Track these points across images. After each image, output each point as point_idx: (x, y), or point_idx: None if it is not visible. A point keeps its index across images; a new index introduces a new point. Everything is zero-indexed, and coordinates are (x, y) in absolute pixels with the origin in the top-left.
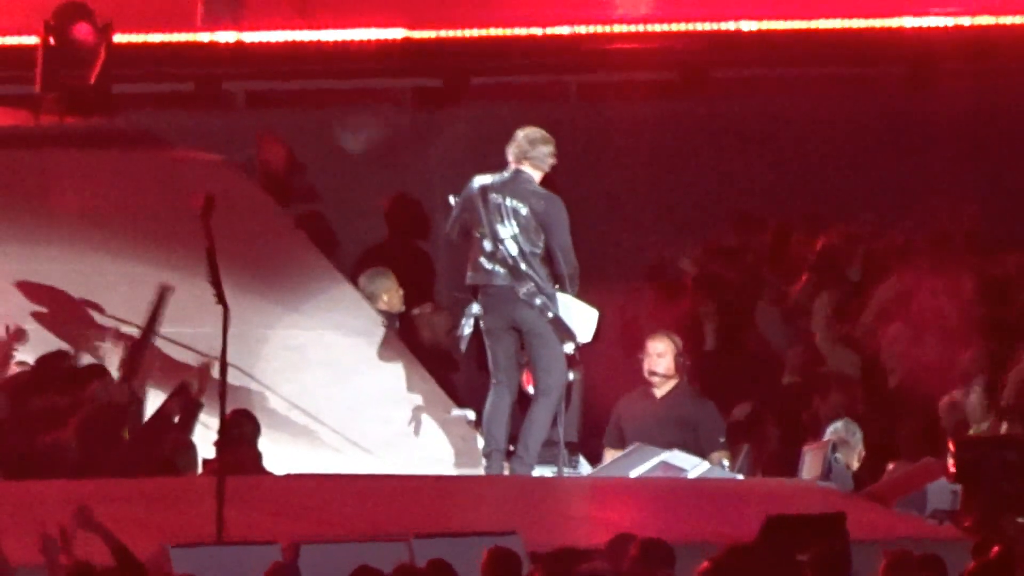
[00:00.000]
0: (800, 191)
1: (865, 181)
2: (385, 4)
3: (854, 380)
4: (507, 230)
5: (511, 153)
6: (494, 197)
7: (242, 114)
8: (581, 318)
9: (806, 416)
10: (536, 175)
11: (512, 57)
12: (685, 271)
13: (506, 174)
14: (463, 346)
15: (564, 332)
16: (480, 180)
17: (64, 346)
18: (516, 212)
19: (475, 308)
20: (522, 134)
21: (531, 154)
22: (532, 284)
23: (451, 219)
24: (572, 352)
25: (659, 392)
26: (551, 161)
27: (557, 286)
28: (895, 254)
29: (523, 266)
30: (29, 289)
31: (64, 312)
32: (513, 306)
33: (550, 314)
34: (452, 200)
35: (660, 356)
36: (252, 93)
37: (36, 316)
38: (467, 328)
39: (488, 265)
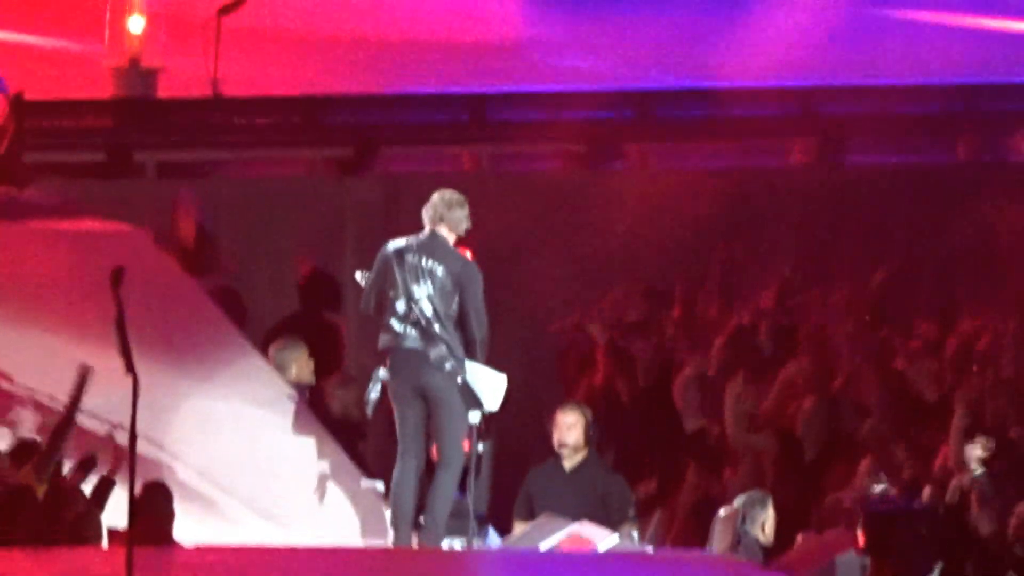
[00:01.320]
0: (704, 262)
1: (771, 251)
2: (295, 74)
3: (765, 453)
4: (423, 290)
5: (427, 216)
6: (411, 257)
7: (152, 184)
8: (489, 385)
9: (716, 487)
10: (451, 238)
11: (423, 127)
12: (596, 342)
13: (423, 236)
14: (370, 411)
15: (471, 399)
16: (395, 243)
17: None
18: (432, 272)
19: (382, 372)
20: (438, 196)
21: (447, 217)
22: (444, 347)
23: (366, 290)
24: (478, 422)
25: (568, 464)
26: (466, 224)
27: (466, 352)
28: (806, 327)
29: (436, 327)
30: None
31: None
32: (421, 370)
33: (459, 380)
34: (359, 276)
35: (570, 428)
36: (162, 163)
37: None
38: (374, 393)
39: (399, 327)
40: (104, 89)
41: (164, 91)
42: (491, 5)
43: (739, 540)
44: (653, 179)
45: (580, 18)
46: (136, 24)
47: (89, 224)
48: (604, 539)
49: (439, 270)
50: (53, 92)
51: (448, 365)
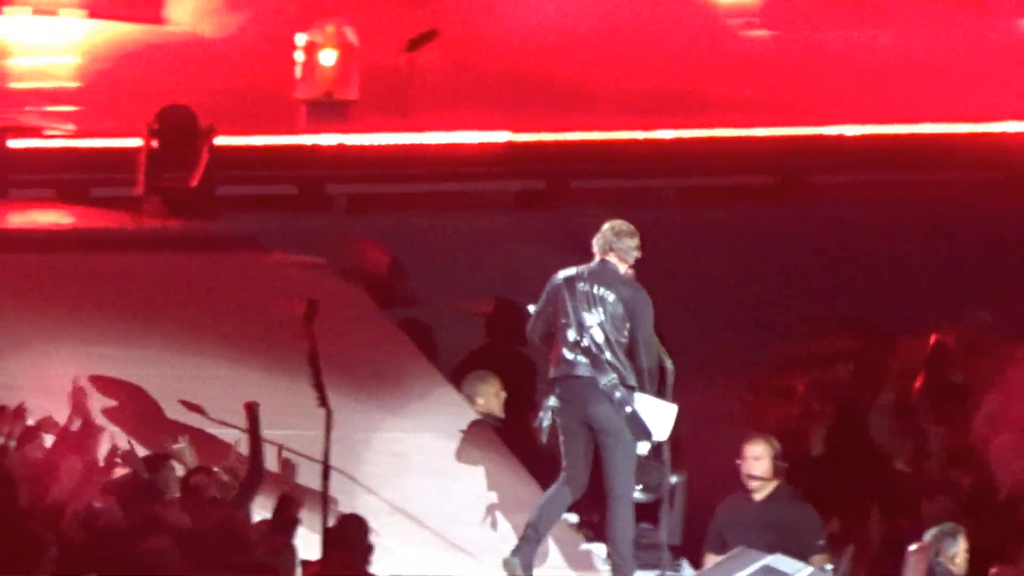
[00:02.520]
0: (903, 295)
1: (969, 285)
2: (487, 108)
3: (961, 486)
4: (594, 317)
5: (597, 245)
6: (581, 286)
7: (343, 218)
8: (658, 414)
9: (908, 521)
10: (621, 267)
11: (612, 161)
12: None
13: (593, 264)
14: (544, 438)
15: (639, 429)
16: (565, 272)
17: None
18: (604, 299)
19: (552, 401)
20: (608, 226)
21: (616, 246)
22: (615, 375)
23: (532, 318)
24: (661, 452)
25: (758, 496)
26: (636, 254)
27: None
28: (1003, 359)
29: (607, 355)
30: (125, 393)
31: (162, 417)
32: (590, 399)
33: (628, 409)
34: (531, 308)
35: (757, 459)
36: (354, 196)
37: (134, 421)
38: (545, 420)
39: (570, 355)
40: (296, 123)
41: (356, 124)
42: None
43: (933, 572)
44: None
45: None
46: (328, 58)
47: (280, 258)
48: (798, 571)
49: (610, 297)
50: (245, 126)
51: (618, 394)
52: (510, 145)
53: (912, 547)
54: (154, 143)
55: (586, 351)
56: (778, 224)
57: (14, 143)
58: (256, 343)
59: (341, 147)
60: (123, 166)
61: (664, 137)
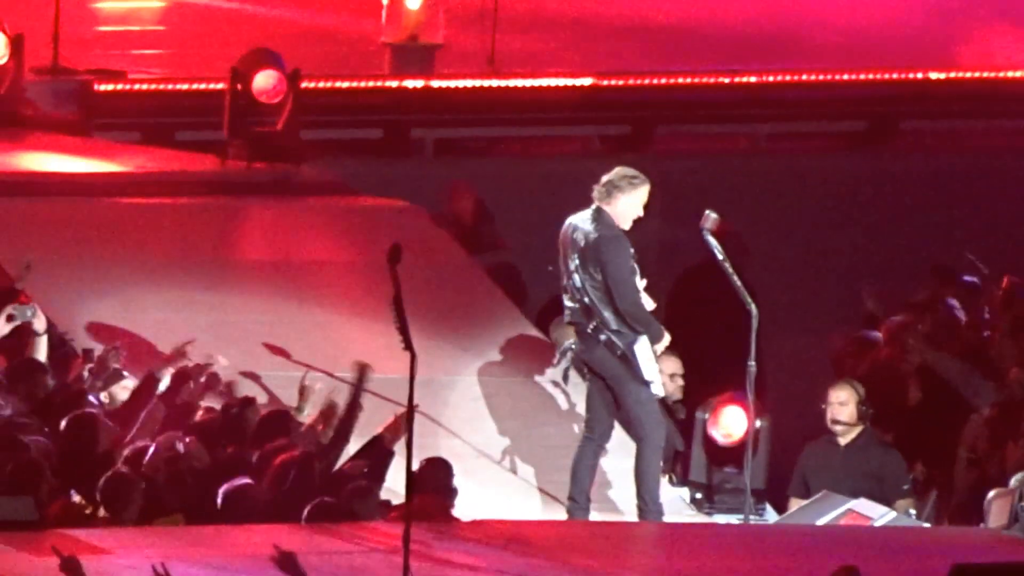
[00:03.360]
0: (994, 242)
1: None
2: (572, 53)
3: None
4: (573, 262)
5: (594, 192)
6: (567, 230)
7: (430, 162)
8: (647, 357)
9: (993, 465)
10: (613, 215)
11: (699, 106)
12: (877, 319)
13: (588, 211)
14: (567, 383)
15: (635, 372)
16: (570, 218)
17: (250, 393)
18: (576, 243)
19: (567, 343)
20: (605, 176)
21: (602, 195)
22: (597, 319)
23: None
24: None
25: (843, 440)
26: (624, 204)
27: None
28: None
29: (587, 299)
30: (216, 337)
31: (250, 360)
32: (587, 345)
33: (618, 352)
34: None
35: (843, 404)
36: (440, 141)
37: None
38: (564, 363)
39: (566, 301)
40: (382, 67)
41: (441, 68)
42: None
43: (1016, 517)
44: (930, 158)
45: None
46: (414, 1)
47: (366, 202)
48: (882, 515)
49: (580, 239)
50: (331, 70)
51: (602, 337)
52: (595, 89)
53: (992, 492)
54: (239, 87)
55: (572, 296)
56: (867, 170)
57: (101, 86)
58: (341, 287)
59: (427, 90)
60: (208, 110)
61: (750, 81)
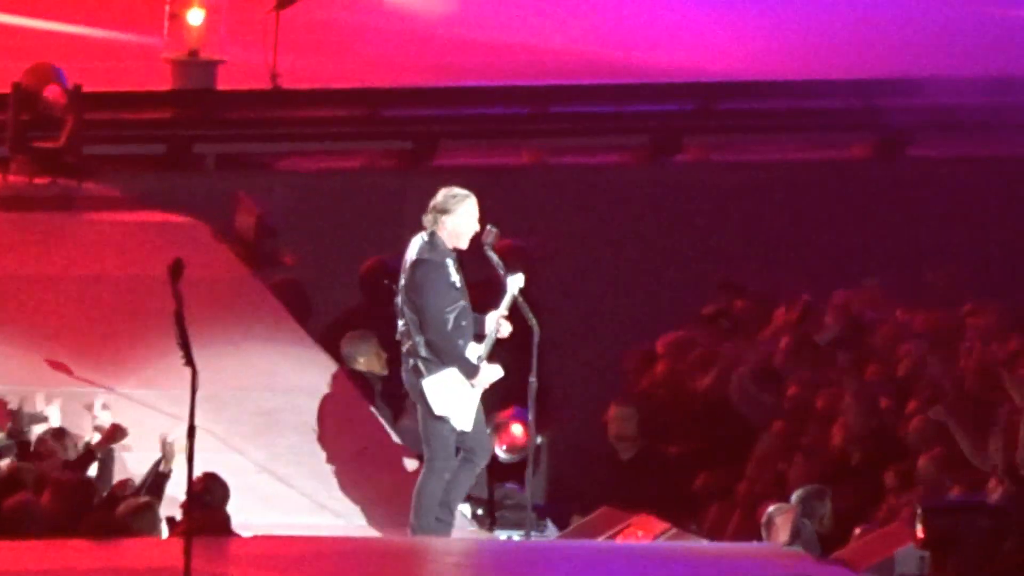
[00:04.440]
0: (780, 259)
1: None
2: (354, 71)
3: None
4: (400, 283)
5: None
6: (405, 251)
7: (212, 177)
8: (448, 392)
9: (773, 479)
10: (445, 238)
11: (481, 120)
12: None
13: (422, 234)
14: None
15: (425, 403)
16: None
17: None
18: (404, 264)
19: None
20: (432, 201)
21: (430, 221)
22: (409, 344)
23: None
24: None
25: (626, 456)
26: (443, 223)
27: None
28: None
29: (400, 323)
30: None
31: (32, 375)
32: (403, 366)
33: (422, 380)
34: None
35: (626, 420)
36: (222, 156)
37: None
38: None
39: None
40: (164, 81)
41: (224, 83)
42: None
43: (799, 532)
44: (714, 173)
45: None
46: (195, 16)
47: (149, 216)
48: (663, 532)
49: (406, 261)
50: (112, 84)
51: (411, 361)
52: (377, 104)
53: (773, 507)
54: (21, 101)
55: (399, 316)
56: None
57: None
58: (124, 301)
59: (208, 105)
60: None
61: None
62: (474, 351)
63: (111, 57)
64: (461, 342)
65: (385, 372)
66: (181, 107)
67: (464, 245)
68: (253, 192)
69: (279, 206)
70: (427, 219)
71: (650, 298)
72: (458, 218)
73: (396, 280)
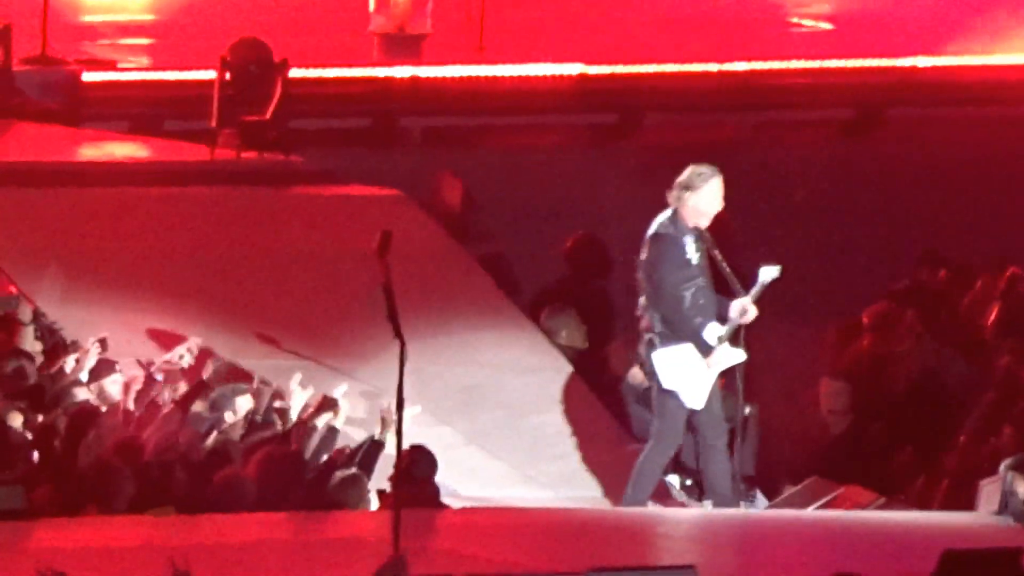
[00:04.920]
0: (983, 231)
1: None
2: (561, 41)
3: None
4: (639, 259)
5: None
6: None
7: (418, 151)
8: (678, 367)
9: (986, 450)
10: (686, 215)
11: (687, 95)
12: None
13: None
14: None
15: (654, 377)
16: None
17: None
18: (644, 241)
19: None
20: (678, 178)
21: (675, 198)
22: (647, 318)
23: None
24: (728, 381)
25: (837, 430)
26: (685, 200)
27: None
28: None
29: (642, 300)
30: (206, 327)
31: (240, 349)
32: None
33: (653, 353)
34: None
35: (837, 395)
36: (428, 129)
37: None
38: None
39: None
40: (370, 56)
41: (429, 57)
42: None
43: (1007, 503)
44: (919, 146)
45: None
46: None
47: (355, 191)
48: (872, 502)
49: (646, 237)
50: (320, 59)
51: (647, 336)
52: (583, 77)
53: (986, 479)
54: (227, 76)
55: (640, 291)
56: (853, 159)
57: (89, 76)
58: (330, 276)
59: (415, 80)
60: (197, 99)
61: (737, 70)
62: (713, 331)
63: (318, 32)
64: (699, 320)
65: (586, 346)
66: (388, 81)
67: (705, 223)
68: (458, 165)
69: (484, 179)
70: (672, 195)
71: (853, 271)
72: (701, 196)
73: (603, 255)
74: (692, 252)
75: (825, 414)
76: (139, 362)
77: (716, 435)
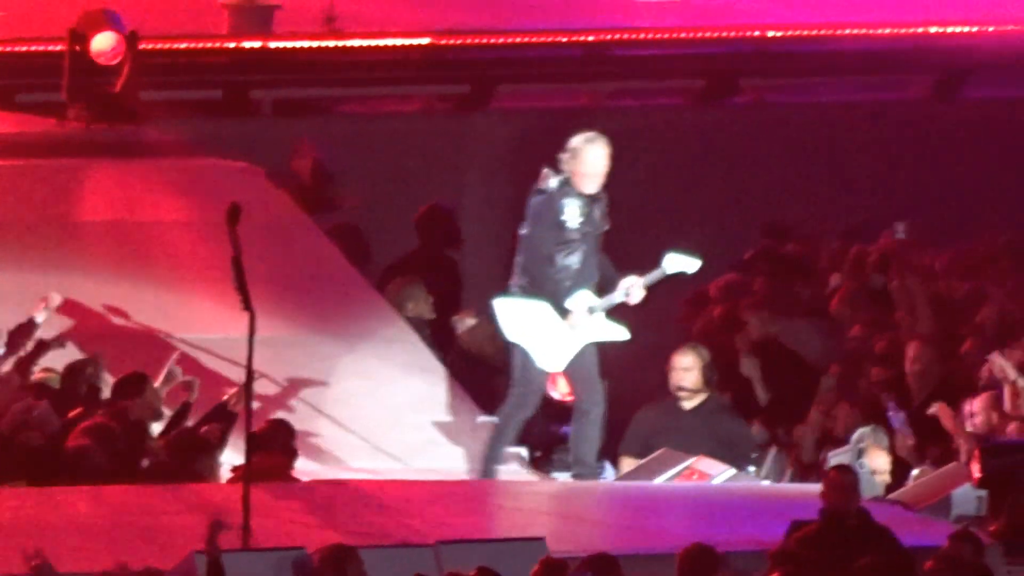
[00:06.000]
0: (830, 202)
1: (895, 193)
2: (411, 14)
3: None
4: None
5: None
6: None
7: (269, 122)
8: (531, 327)
9: (831, 423)
10: (572, 180)
11: (538, 64)
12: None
13: None
14: None
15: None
16: None
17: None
18: None
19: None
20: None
21: (562, 162)
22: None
23: None
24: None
25: (687, 405)
26: (569, 164)
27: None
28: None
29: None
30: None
31: (92, 321)
32: None
33: (495, 300)
34: None
35: (687, 370)
36: (279, 100)
37: (64, 326)
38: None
39: None
40: (220, 26)
41: (280, 28)
42: None
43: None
44: (770, 114)
45: None
46: None
47: (206, 162)
48: (721, 473)
49: None
50: (169, 29)
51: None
52: (433, 48)
53: (833, 451)
54: (77, 48)
55: None
56: (707, 127)
57: None
58: (181, 246)
59: (265, 50)
60: (46, 71)
61: (587, 40)
62: (584, 299)
63: (169, 2)
64: (568, 283)
65: (433, 316)
66: (238, 52)
67: (590, 189)
68: (310, 137)
69: (336, 151)
70: (562, 158)
71: (702, 241)
72: (584, 160)
73: (452, 225)
74: (572, 215)
75: (673, 389)
76: None
77: (590, 402)
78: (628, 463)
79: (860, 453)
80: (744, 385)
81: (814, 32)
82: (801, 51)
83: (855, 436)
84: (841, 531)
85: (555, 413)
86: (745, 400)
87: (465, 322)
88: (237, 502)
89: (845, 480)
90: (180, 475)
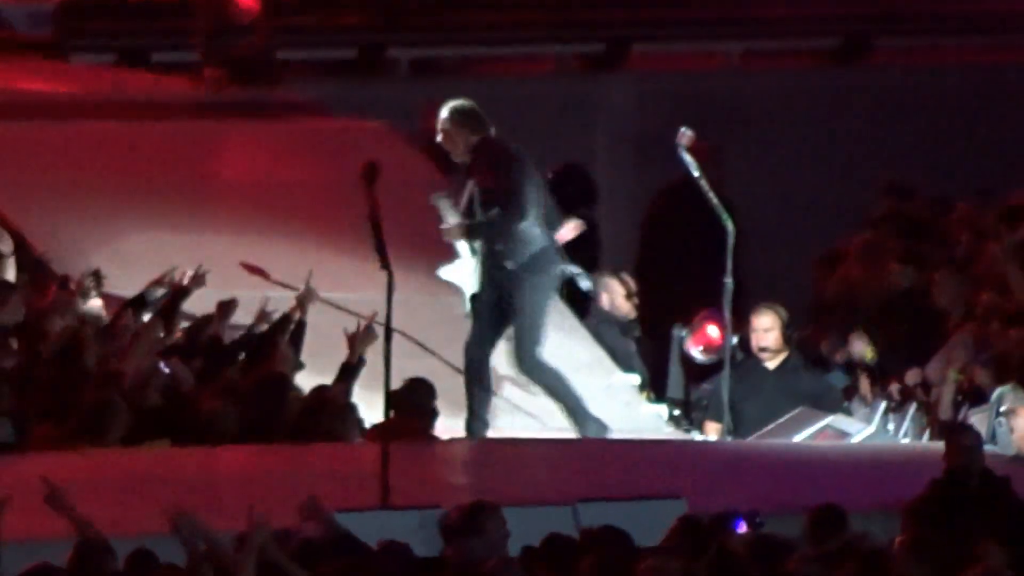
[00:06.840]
0: (962, 164)
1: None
2: None
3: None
4: None
5: None
6: None
7: (405, 82)
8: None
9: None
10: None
11: (674, 24)
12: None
13: None
14: None
15: None
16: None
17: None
18: None
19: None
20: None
21: None
22: None
23: None
24: None
25: (771, 364)
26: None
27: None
28: None
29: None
30: (194, 259)
31: (228, 281)
32: None
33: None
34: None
35: (767, 331)
36: (415, 60)
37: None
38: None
39: None
40: None
41: None
42: None
43: (994, 434)
44: (902, 75)
45: None
46: None
47: (342, 122)
48: (859, 431)
49: None
50: None
51: None
52: (569, 6)
53: (974, 408)
54: (214, 7)
55: None
56: (842, 87)
57: (75, 7)
58: (318, 206)
59: (403, 10)
60: (184, 31)
61: None
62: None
63: None
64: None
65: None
66: (374, 12)
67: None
68: (446, 96)
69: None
70: None
71: (838, 200)
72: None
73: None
74: None
75: (756, 350)
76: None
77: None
78: (713, 429)
79: (999, 412)
80: (887, 342)
81: None
82: (934, 11)
83: (994, 395)
84: (963, 493)
85: (695, 371)
86: (890, 357)
87: (601, 281)
88: (374, 461)
89: (964, 441)
90: (315, 435)
